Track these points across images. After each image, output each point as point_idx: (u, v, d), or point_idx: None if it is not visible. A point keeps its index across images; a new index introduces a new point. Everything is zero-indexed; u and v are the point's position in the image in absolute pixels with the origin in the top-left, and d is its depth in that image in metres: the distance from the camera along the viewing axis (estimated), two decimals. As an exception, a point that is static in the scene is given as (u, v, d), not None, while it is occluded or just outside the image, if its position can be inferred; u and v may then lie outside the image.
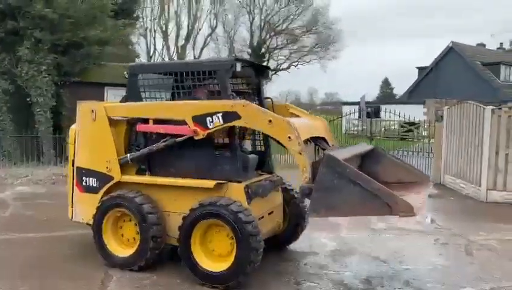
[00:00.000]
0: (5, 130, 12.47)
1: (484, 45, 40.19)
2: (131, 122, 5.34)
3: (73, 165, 5.66)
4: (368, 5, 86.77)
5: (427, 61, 38.39)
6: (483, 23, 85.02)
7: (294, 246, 6.04)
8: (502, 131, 9.18)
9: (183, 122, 4.87)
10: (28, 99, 12.57)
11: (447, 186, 11.10)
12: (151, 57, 40.39)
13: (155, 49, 40.87)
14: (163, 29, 40.42)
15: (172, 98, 5.43)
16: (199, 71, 5.01)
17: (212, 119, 4.72)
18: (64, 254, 5.67)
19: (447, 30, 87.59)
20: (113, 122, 5.34)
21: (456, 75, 33.65)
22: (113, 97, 13.54)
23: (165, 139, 5.02)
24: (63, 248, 5.91)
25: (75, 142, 5.64)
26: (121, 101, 5.54)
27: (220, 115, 4.70)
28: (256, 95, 5.73)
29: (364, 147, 5.78)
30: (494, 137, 9.23)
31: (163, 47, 41.10)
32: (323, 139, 5.38)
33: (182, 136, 4.89)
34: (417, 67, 39.70)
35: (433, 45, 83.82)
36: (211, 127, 4.73)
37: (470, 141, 9.96)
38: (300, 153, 4.43)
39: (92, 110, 5.40)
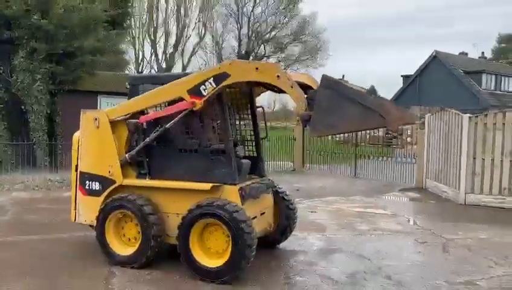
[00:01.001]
0: (-1, 138, 12.69)
1: (466, 54, 41.29)
2: (132, 130, 5.68)
3: (76, 170, 6.01)
4: (352, 15, 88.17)
5: (411, 70, 39.30)
6: (465, 32, 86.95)
7: (284, 245, 6.45)
8: (479, 137, 9.73)
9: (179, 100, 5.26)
10: (23, 107, 12.84)
11: (429, 190, 11.63)
12: (139, 65, 40.69)
13: (143, 56, 41.16)
14: (152, 37, 40.73)
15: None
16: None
17: (205, 86, 5.13)
18: (68, 254, 6.00)
19: (429, 39, 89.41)
20: (114, 127, 5.68)
21: (439, 83, 34.50)
22: (106, 104, 13.86)
23: (156, 130, 5.41)
24: (66, 249, 6.23)
25: (78, 148, 5.99)
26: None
27: (211, 80, 5.11)
28: (249, 104, 6.15)
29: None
30: (472, 143, 9.78)
31: (151, 55, 41.42)
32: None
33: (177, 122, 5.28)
34: (402, 75, 40.56)
35: (416, 54, 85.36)
36: (205, 94, 5.13)
37: (450, 147, 10.51)
38: (292, 87, 4.84)
39: (96, 118, 5.76)
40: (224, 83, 5.06)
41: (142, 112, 5.62)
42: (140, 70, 40.20)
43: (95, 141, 5.80)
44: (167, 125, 5.32)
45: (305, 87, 5.20)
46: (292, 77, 5.30)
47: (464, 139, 9.85)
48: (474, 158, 9.77)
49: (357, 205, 9.72)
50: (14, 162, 12.34)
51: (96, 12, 12.97)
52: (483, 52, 43.54)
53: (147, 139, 5.47)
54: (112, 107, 5.98)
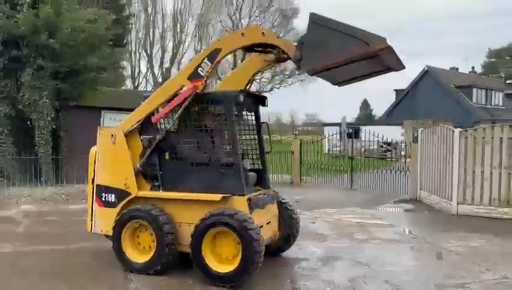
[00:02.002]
0: (5, 152, 13.02)
1: (457, 69, 42.29)
2: (146, 145, 6.09)
3: (92, 183, 6.39)
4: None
5: (403, 84, 40.13)
6: (455, 46, 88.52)
7: (287, 253, 6.83)
8: (469, 150, 10.22)
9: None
10: (29, 122, 13.22)
11: (422, 201, 12.08)
12: (135, 80, 41.16)
13: (139, 71, 41.67)
14: (148, 52, 41.32)
15: (179, 122, 6.28)
16: (208, 100, 5.89)
17: (202, 67, 5.68)
18: (83, 263, 6.35)
19: (420, 53, 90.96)
20: (129, 141, 6.07)
21: (431, 97, 35.32)
22: (110, 120, 14.30)
23: (156, 135, 5.87)
24: (81, 258, 6.58)
25: (94, 162, 6.37)
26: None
27: (206, 60, 5.67)
28: (254, 120, 6.60)
29: None
30: (463, 156, 10.26)
31: (147, 70, 41.95)
32: None
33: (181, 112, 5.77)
34: (394, 90, 41.39)
35: (408, 67, 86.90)
36: (204, 74, 5.66)
37: (442, 160, 10.99)
38: (278, 37, 5.46)
39: (112, 135, 6.16)
40: (218, 58, 5.65)
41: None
42: (136, 85, 40.70)
43: (112, 156, 6.18)
44: (169, 127, 5.88)
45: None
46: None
47: (455, 152, 10.32)
48: (465, 170, 10.23)
49: (354, 216, 10.14)
50: (21, 176, 12.66)
51: (101, 31, 13.45)
52: (473, 67, 44.67)
53: (153, 144, 5.90)
54: (124, 120, 6.36)
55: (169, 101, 5.88)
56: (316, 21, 5.07)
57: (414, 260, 6.97)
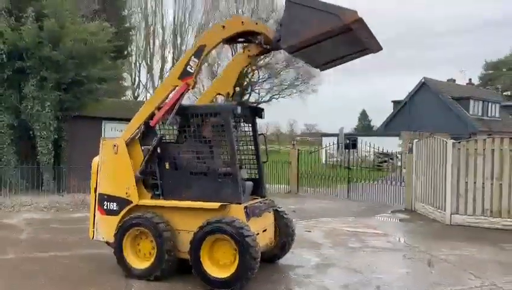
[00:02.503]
0: (8, 161, 13.26)
1: (454, 80, 42.70)
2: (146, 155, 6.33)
3: (95, 192, 6.61)
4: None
5: (401, 95, 40.52)
6: (452, 58, 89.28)
7: (283, 261, 7.04)
8: (462, 162, 10.47)
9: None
10: (31, 132, 13.47)
11: (417, 212, 12.30)
12: (135, 90, 41.48)
13: (139, 81, 42.00)
14: (148, 62, 41.68)
15: (179, 133, 6.54)
16: (207, 113, 6.16)
17: (190, 65, 6.03)
18: (86, 269, 6.56)
19: (417, 65, 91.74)
20: (130, 151, 6.30)
21: (428, 109, 35.66)
22: (110, 130, 14.55)
23: (152, 143, 6.12)
24: (83, 264, 6.79)
25: (97, 172, 6.60)
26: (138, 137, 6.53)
27: (193, 58, 6.02)
28: (252, 130, 6.86)
29: None
30: (456, 167, 10.51)
31: (147, 80, 42.29)
32: None
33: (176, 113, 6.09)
34: (392, 101, 41.78)
35: (406, 79, 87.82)
36: (193, 70, 6.01)
37: (436, 171, 11.24)
38: (256, 23, 5.93)
39: (114, 145, 6.40)
40: (204, 54, 6.01)
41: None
42: (136, 95, 41.03)
43: (113, 166, 6.42)
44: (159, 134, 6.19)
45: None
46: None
47: (449, 163, 10.57)
48: (458, 181, 10.47)
49: (350, 225, 10.36)
50: (24, 185, 12.89)
51: (103, 44, 13.77)
52: (470, 79, 45.07)
53: (149, 150, 6.14)
54: (124, 130, 6.57)
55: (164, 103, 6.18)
56: (292, 0, 5.45)
57: (406, 267, 7.17)
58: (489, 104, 38.17)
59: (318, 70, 6.77)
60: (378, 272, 6.69)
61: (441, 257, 7.69)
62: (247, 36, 6.24)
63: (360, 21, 5.20)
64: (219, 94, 6.80)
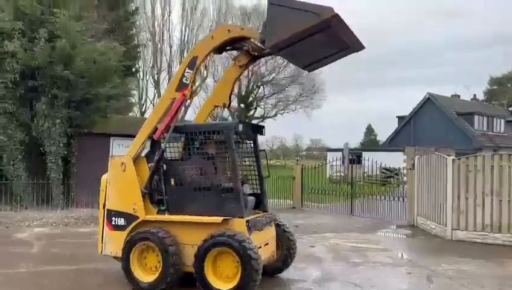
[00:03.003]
0: (18, 177, 13.62)
1: (459, 96, 42.85)
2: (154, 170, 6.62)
3: (103, 208, 6.88)
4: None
5: (406, 110, 40.70)
6: (456, 74, 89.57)
7: (285, 274, 7.23)
8: (462, 178, 10.65)
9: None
10: (41, 148, 13.85)
11: (419, 227, 12.44)
12: (143, 105, 42.04)
13: (147, 97, 42.56)
14: (156, 78, 42.29)
15: (184, 150, 6.83)
16: (210, 131, 6.45)
17: (185, 76, 6.37)
18: (95, 282, 6.81)
19: (422, 80, 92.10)
20: (137, 167, 6.59)
21: (433, 124, 35.78)
22: (118, 146, 14.89)
23: (155, 159, 6.41)
24: (92, 277, 7.04)
25: (106, 188, 6.88)
26: (146, 155, 6.83)
27: (187, 69, 6.37)
28: (254, 146, 7.13)
29: None
30: (456, 183, 10.68)
31: (154, 96, 42.83)
32: None
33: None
34: (397, 116, 41.94)
35: (410, 94, 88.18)
36: (188, 82, 6.36)
37: (437, 187, 11.41)
38: (242, 29, 6.33)
39: (122, 163, 6.69)
40: (197, 65, 6.37)
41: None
42: (143, 110, 41.55)
43: (121, 183, 6.68)
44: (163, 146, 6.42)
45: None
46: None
47: (449, 179, 10.76)
48: (459, 197, 10.63)
49: (352, 241, 10.52)
50: (34, 200, 13.22)
51: (113, 62, 14.22)
52: (475, 95, 45.27)
53: (153, 166, 6.42)
54: (130, 147, 6.84)
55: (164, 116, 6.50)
56: (273, 2, 5.83)
57: (405, 282, 7.33)
58: (494, 119, 38.24)
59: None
60: (377, 286, 6.86)
61: (441, 271, 7.84)
62: (236, 43, 6.62)
63: (336, 17, 5.51)
64: (216, 106, 7.20)
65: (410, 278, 7.58)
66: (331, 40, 5.94)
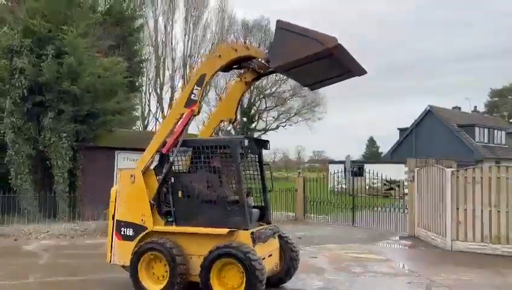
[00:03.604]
0: (25, 190, 13.88)
1: (459, 108, 43.17)
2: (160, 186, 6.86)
3: (113, 219, 7.11)
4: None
5: (408, 123, 40.97)
6: (457, 86, 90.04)
7: (287, 285, 7.40)
8: (461, 189, 10.86)
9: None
10: (48, 162, 14.13)
11: (420, 238, 12.60)
12: (145, 119, 42.38)
13: (149, 110, 42.92)
14: (158, 91, 42.69)
15: (191, 164, 7.07)
16: (217, 145, 6.71)
17: (194, 93, 6.65)
18: (103, 292, 7.02)
19: (423, 92, 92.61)
20: (146, 180, 6.83)
21: (434, 136, 36.05)
22: (123, 159, 15.14)
23: (164, 172, 6.66)
24: (99, 287, 7.25)
25: (115, 200, 7.13)
26: (154, 168, 7.08)
27: (195, 86, 6.64)
28: (258, 161, 7.38)
29: None
30: (455, 195, 10.89)
31: (157, 109, 43.21)
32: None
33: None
34: (398, 129, 42.22)
35: (412, 106, 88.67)
36: (197, 98, 6.64)
37: (436, 198, 11.62)
38: (248, 48, 6.57)
39: (132, 175, 6.95)
40: (205, 82, 6.66)
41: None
42: (146, 124, 41.90)
43: (130, 194, 6.94)
44: (171, 159, 6.67)
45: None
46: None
47: (448, 191, 10.97)
48: (458, 208, 10.84)
49: (353, 251, 10.70)
50: (41, 213, 13.45)
51: (118, 78, 14.57)
52: (475, 107, 45.56)
53: (161, 179, 6.68)
54: (139, 160, 7.10)
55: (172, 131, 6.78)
56: (281, 26, 6.14)
57: (405, 291, 7.53)
58: (495, 131, 38.48)
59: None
60: (377, 296, 7.06)
61: (440, 281, 8.01)
62: (243, 62, 6.92)
63: (339, 47, 5.83)
64: (222, 120, 7.45)
65: (410, 287, 7.75)
66: (333, 65, 6.30)
